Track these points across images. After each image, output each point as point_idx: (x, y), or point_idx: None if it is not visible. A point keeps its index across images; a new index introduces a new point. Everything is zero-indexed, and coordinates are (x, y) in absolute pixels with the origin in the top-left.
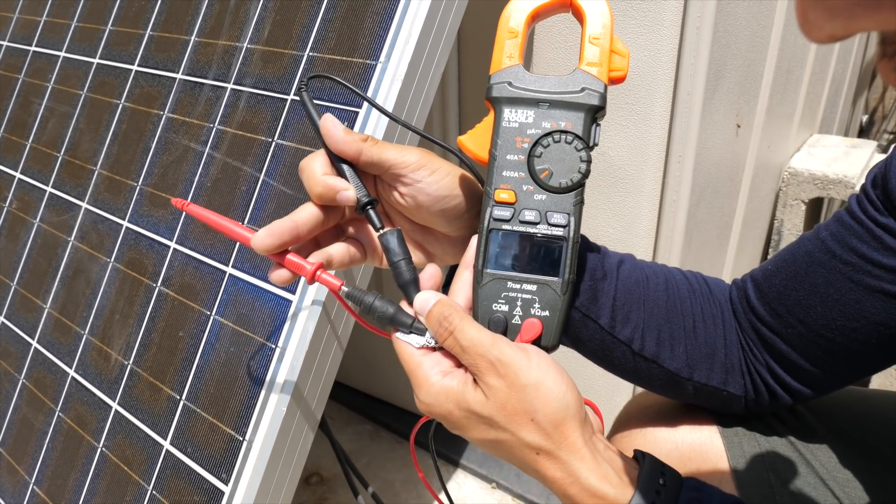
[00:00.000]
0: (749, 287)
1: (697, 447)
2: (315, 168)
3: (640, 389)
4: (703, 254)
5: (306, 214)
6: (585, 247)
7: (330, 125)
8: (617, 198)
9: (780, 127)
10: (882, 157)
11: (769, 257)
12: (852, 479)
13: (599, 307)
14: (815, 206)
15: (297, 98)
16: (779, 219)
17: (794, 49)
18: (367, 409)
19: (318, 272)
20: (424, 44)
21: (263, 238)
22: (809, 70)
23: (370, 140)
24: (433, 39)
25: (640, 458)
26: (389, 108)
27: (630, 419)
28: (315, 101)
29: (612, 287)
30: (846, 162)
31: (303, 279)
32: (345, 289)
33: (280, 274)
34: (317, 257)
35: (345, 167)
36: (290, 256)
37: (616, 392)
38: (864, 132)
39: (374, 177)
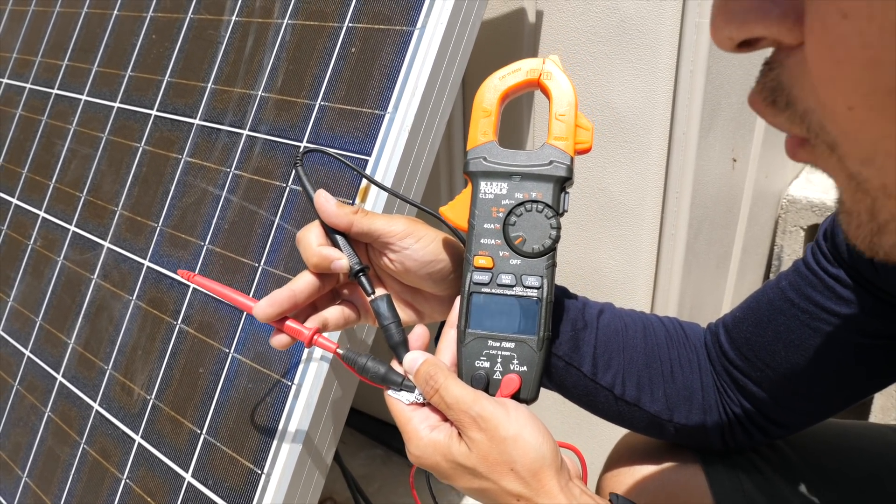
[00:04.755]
0: (721, 332)
1: (682, 485)
2: (311, 239)
3: None
4: (703, 282)
5: (303, 283)
6: (567, 298)
7: (323, 201)
8: (618, 231)
9: (777, 156)
10: None
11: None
12: None
13: (581, 355)
14: (814, 231)
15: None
16: (779, 245)
17: None
18: (379, 434)
19: (315, 336)
20: (430, 95)
21: (264, 308)
22: None
23: (360, 212)
24: (438, 91)
25: (615, 500)
26: (398, 155)
27: (619, 459)
28: (326, 149)
29: (592, 336)
30: None
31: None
32: (340, 351)
33: (280, 339)
34: (314, 322)
35: (338, 237)
36: (289, 323)
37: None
38: None
39: (365, 244)
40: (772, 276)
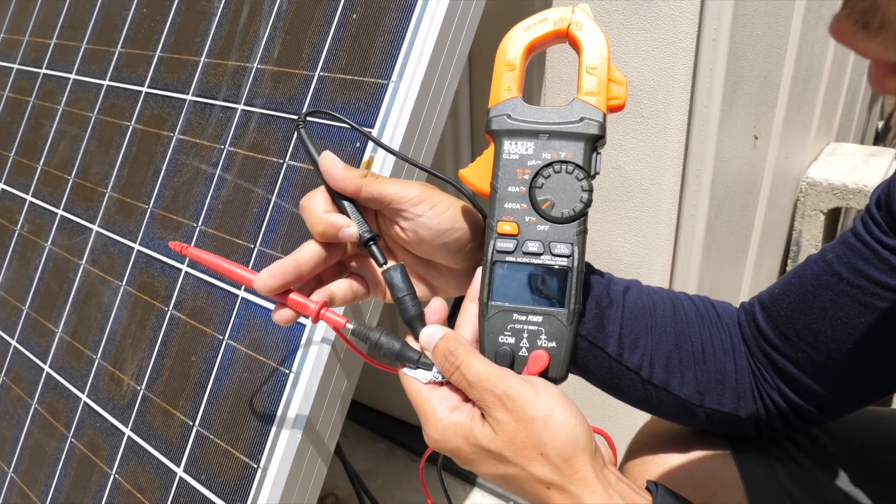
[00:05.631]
0: (757, 311)
1: (711, 474)
2: (316, 206)
3: None
4: (722, 267)
5: (308, 253)
6: (591, 273)
7: (329, 163)
8: (633, 212)
9: (798, 137)
10: None
11: (786, 271)
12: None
13: (606, 335)
14: (833, 215)
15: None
16: (797, 230)
17: (811, 58)
18: (382, 428)
19: (323, 311)
20: (437, 63)
21: (266, 279)
22: (826, 79)
23: (370, 176)
24: (445, 58)
25: (653, 488)
26: (403, 126)
27: (643, 446)
28: (330, 116)
29: (618, 314)
30: (865, 171)
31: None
32: (350, 326)
33: (283, 314)
34: (320, 295)
35: (346, 204)
36: (294, 296)
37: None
38: (880, 138)
39: (374, 212)
40: (790, 262)
